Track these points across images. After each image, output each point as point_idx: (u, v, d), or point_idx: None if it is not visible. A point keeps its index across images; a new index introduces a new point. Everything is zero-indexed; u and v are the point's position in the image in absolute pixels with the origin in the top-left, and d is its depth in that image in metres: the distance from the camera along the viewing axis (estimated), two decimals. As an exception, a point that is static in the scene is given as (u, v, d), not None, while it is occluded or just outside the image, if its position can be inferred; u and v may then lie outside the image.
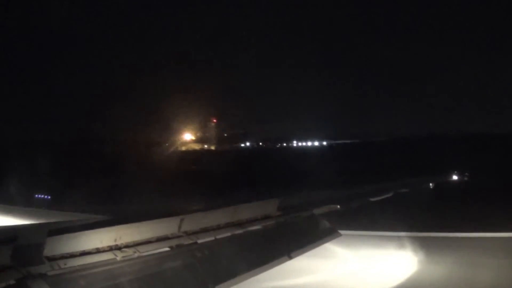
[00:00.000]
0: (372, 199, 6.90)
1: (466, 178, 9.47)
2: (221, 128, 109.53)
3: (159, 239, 3.84)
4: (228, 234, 4.45)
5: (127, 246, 3.59)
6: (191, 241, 4.05)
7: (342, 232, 5.87)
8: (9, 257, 2.96)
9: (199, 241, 4.12)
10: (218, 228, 4.40)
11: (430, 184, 8.46)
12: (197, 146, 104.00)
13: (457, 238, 7.84)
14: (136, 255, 3.59)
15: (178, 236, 4.00)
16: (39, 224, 6.06)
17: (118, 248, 3.53)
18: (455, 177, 9.19)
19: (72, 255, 3.26)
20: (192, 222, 4.16)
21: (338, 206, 5.99)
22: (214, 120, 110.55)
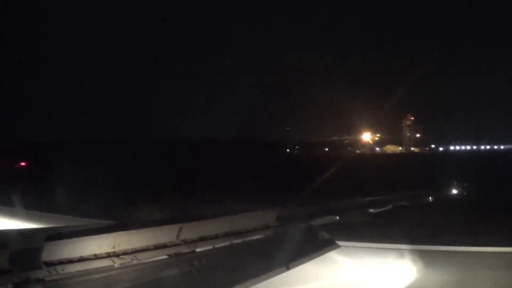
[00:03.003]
0: (372, 211, 6.89)
1: (465, 193, 9.43)
2: (417, 128, 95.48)
3: (157, 247, 3.85)
4: (227, 243, 4.45)
5: (125, 253, 3.60)
6: (189, 250, 4.05)
7: (340, 243, 5.86)
8: (7, 261, 2.96)
9: (197, 249, 4.12)
10: (217, 237, 4.40)
11: (430, 198, 8.44)
12: (394, 148, 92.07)
13: (458, 252, 7.81)
14: (134, 262, 3.59)
15: (176, 244, 4.01)
16: (38, 228, 6.06)
17: (116, 255, 3.54)
18: (454, 191, 9.16)
19: (70, 261, 3.27)
20: (191, 230, 4.16)
21: (338, 217, 5.99)
22: (411, 118, 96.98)
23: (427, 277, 6.50)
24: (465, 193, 9.37)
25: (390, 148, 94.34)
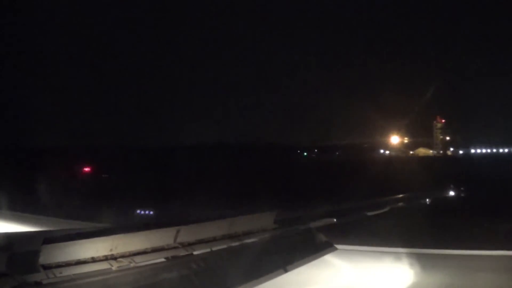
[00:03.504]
0: (369, 213, 6.90)
1: (462, 194, 9.48)
2: (447, 131, 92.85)
3: (155, 250, 3.84)
4: (224, 246, 4.45)
5: (123, 256, 3.59)
6: (186, 253, 4.05)
7: (338, 246, 5.87)
8: (4, 264, 2.96)
9: (195, 252, 4.11)
10: (214, 240, 4.40)
11: (427, 200, 8.47)
12: (425, 151, 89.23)
13: (453, 255, 7.82)
14: (131, 265, 3.58)
15: (174, 247, 4.00)
16: (35, 232, 6.04)
17: (113, 258, 3.53)
18: (452, 193, 9.20)
19: (68, 264, 3.26)
20: (188, 233, 4.16)
21: (335, 220, 6.00)
22: (442, 120, 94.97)
23: (424, 280, 6.51)
24: (462, 195, 9.43)
25: (422, 151, 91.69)
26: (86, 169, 45.18)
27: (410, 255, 7.26)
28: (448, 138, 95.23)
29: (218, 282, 4.09)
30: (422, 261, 7.01)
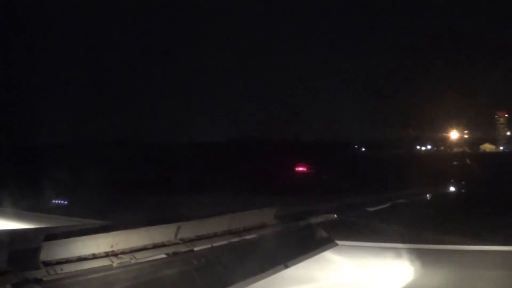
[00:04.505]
0: (370, 209, 6.91)
1: (463, 190, 9.48)
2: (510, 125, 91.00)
3: (156, 246, 3.85)
4: (225, 242, 4.46)
5: (124, 252, 3.60)
6: (187, 249, 4.06)
7: (338, 242, 5.87)
8: (5, 262, 2.97)
9: (196, 248, 4.12)
10: (215, 236, 4.41)
11: (428, 195, 8.47)
12: (491, 147, 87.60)
13: (456, 251, 7.82)
14: (132, 261, 3.59)
15: (175, 243, 4.01)
16: (36, 228, 6.06)
17: (114, 254, 3.54)
18: (452, 188, 9.20)
19: (68, 261, 3.27)
20: (189, 229, 4.17)
21: (335, 216, 6.01)
22: (505, 115, 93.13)
23: (425, 276, 6.52)
24: (463, 191, 9.43)
25: (489, 147, 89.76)
26: (300, 168, 37.51)
27: (411, 250, 7.26)
28: (508, 133, 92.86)
29: (218, 278, 4.10)
30: (423, 257, 7.01)
